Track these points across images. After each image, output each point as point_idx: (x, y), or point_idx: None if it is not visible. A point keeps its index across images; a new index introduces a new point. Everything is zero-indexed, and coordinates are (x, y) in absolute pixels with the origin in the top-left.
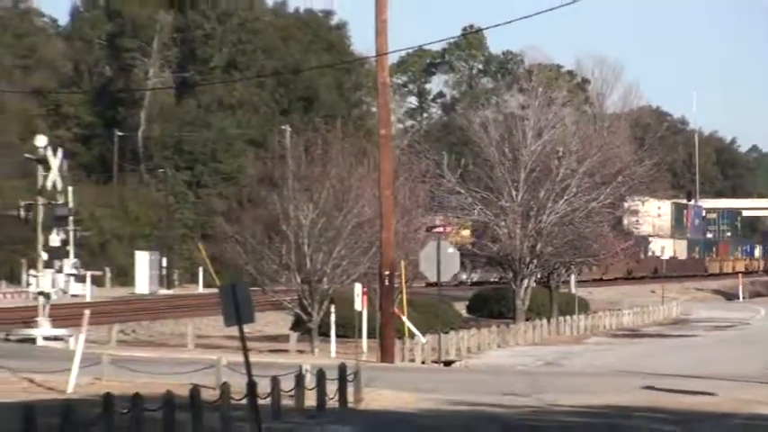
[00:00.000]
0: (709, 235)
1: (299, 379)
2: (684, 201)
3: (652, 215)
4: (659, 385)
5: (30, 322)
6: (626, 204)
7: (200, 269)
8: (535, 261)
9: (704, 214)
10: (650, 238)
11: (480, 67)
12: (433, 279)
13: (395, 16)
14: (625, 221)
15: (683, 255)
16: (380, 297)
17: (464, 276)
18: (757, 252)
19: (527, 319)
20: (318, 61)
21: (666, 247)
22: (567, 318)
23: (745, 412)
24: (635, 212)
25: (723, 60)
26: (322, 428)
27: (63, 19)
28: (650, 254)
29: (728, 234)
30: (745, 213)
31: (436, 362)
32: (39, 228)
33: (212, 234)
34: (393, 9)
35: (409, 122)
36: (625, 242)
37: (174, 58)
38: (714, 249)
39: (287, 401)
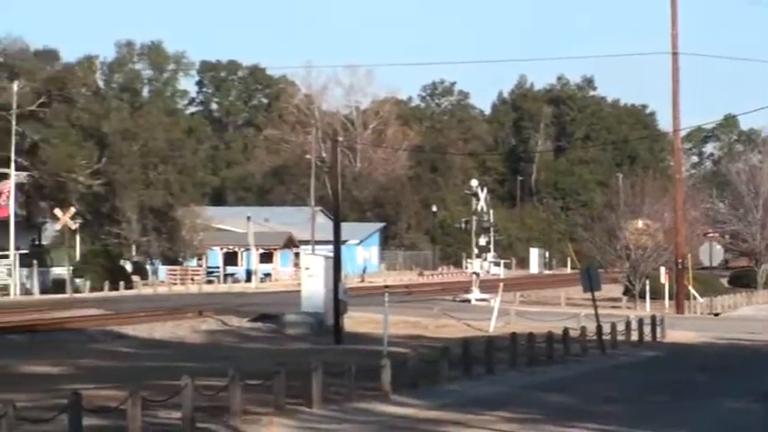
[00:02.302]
0: None
1: (627, 324)
2: None
3: None
4: None
5: (467, 290)
6: None
7: (568, 258)
8: None
9: None
10: None
11: (735, 137)
12: (707, 264)
13: (684, 105)
14: None
15: None
16: (676, 274)
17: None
18: None
19: (764, 288)
20: (639, 134)
21: None
22: None
23: None
24: None
25: None
26: (641, 352)
27: (487, 110)
28: None
29: None
30: None
31: (709, 314)
32: (472, 234)
33: (575, 237)
34: (682, 102)
35: (693, 171)
36: None
37: (552, 133)
38: None
39: (620, 337)
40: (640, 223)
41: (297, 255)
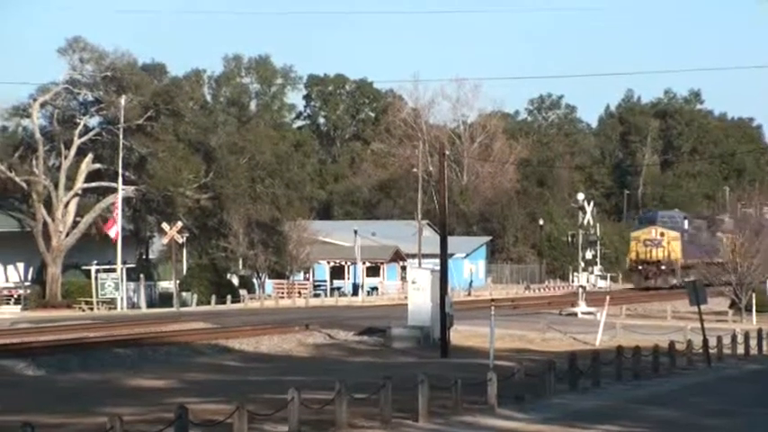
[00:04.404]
0: None
1: (733, 337)
2: None
3: None
4: None
5: (573, 304)
6: None
7: None
8: None
9: None
10: None
11: None
12: None
13: None
14: None
15: None
16: None
17: None
18: None
19: None
20: (746, 148)
21: None
22: None
23: None
24: None
25: None
26: (747, 365)
27: (594, 123)
28: None
29: None
30: None
31: None
32: (579, 247)
33: None
34: None
35: None
36: None
37: (659, 146)
38: None
39: (726, 351)
40: (653, 232)
41: (403, 268)
